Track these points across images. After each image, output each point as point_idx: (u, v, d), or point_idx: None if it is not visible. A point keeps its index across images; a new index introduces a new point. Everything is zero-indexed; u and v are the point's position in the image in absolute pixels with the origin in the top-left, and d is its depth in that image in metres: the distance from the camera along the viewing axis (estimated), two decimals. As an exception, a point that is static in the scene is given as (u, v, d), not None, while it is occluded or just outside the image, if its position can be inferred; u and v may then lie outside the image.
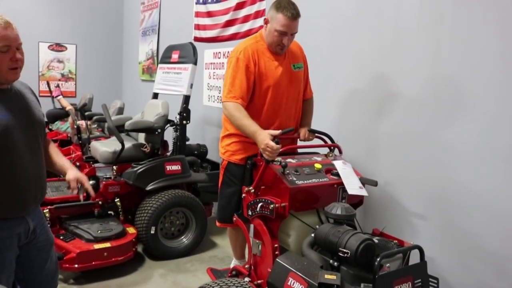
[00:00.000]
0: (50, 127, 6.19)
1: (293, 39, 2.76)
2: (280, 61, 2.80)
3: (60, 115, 6.07)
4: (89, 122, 5.09)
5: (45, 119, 2.11)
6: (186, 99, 4.11)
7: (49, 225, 2.17)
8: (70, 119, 5.42)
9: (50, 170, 2.17)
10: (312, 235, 2.17)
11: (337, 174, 2.46)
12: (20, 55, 1.83)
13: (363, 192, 2.41)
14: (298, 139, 2.91)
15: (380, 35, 3.04)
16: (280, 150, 2.41)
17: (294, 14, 2.63)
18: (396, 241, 2.33)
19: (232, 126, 2.80)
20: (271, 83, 2.75)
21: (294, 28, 2.68)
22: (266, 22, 2.75)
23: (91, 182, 3.82)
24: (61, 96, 6.14)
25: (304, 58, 3.00)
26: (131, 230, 3.69)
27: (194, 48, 4.22)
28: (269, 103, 2.78)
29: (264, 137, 2.41)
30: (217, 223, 3.01)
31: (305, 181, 2.34)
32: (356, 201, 2.55)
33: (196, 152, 4.75)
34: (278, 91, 2.77)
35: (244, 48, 2.76)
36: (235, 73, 2.70)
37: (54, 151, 2.18)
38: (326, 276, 1.86)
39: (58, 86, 6.81)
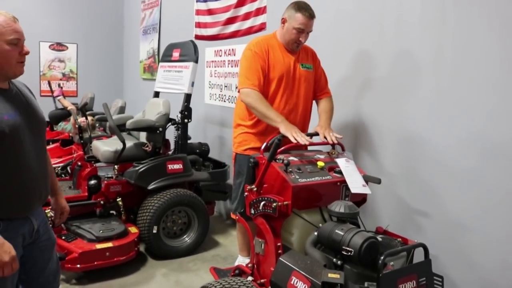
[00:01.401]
0: (54, 128, 6.17)
1: (308, 37, 2.94)
2: (289, 58, 2.97)
3: (63, 115, 6.06)
4: (90, 117, 5.07)
5: (47, 120, 2.11)
6: (188, 97, 4.09)
7: (50, 225, 2.16)
8: (72, 118, 5.41)
9: None
10: (315, 233, 2.15)
11: (340, 172, 2.44)
12: (28, 49, 1.86)
13: (366, 190, 2.39)
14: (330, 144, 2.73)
15: (382, 29, 3.03)
16: (283, 148, 2.48)
17: (311, 14, 2.87)
18: (400, 239, 2.31)
19: (238, 117, 3.09)
20: (277, 74, 2.91)
21: (310, 26, 2.89)
22: (284, 21, 2.93)
23: (92, 181, 3.84)
24: (61, 96, 6.13)
25: (315, 62, 3.12)
26: (133, 229, 3.67)
27: (195, 46, 4.20)
28: (273, 93, 2.93)
29: (291, 126, 2.63)
30: (231, 214, 3.21)
31: (308, 179, 2.32)
32: (360, 199, 2.53)
33: (197, 150, 4.74)
34: (284, 83, 2.93)
35: (257, 41, 3.00)
36: (250, 63, 2.90)
37: (51, 169, 2.19)
38: (330, 275, 1.85)
39: (60, 86, 6.79)
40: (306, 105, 3.04)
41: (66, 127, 6.02)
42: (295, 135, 2.53)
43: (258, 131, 2.97)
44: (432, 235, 2.72)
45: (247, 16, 4.49)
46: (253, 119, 2.97)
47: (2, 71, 1.80)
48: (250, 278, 2.52)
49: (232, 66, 4.73)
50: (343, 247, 1.93)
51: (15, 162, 1.82)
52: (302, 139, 2.51)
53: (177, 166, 3.94)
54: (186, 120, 4.11)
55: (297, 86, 2.97)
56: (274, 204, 2.26)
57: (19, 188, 1.84)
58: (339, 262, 1.98)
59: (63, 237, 3.39)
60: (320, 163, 2.47)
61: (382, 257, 1.87)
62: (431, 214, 2.75)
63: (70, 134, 5.77)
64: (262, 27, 4.25)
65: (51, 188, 2.15)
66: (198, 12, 5.32)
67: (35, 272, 2.03)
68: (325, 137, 2.68)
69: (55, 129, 6.13)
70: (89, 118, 4.99)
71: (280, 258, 2.15)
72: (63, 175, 4.49)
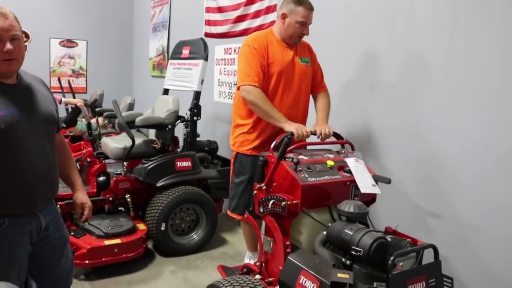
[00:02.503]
0: (70, 133, 6.08)
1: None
2: (288, 52, 2.95)
3: (75, 115, 5.99)
4: (100, 119, 5.07)
5: (64, 125, 2.05)
6: (197, 95, 4.09)
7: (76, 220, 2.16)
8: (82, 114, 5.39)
9: (62, 180, 2.18)
10: (324, 233, 2.14)
11: (350, 172, 2.42)
12: (11, 46, 1.73)
13: (376, 190, 2.37)
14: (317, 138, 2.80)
15: (392, 28, 3.00)
16: (293, 146, 2.47)
17: (311, 6, 2.89)
18: (410, 239, 2.29)
19: (238, 117, 3.05)
20: (276, 70, 2.89)
21: (311, 18, 2.92)
22: (284, 16, 2.90)
23: (101, 178, 3.86)
24: (63, 99, 6.05)
25: (311, 55, 3.10)
26: (141, 226, 3.68)
27: (205, 43, 4.20)
28: (273, 90, 2.90)
29: (295, 124, 2.68)
30: (228, 211, 3.18)
31: (318, 178, 2.31)
32: (369, 199, 2.52)
33: (206, 148, 4.74)
34: (283, 78, 2.91)
35: (254, 37, 2.98)
36: (249, 59, 2.85)
37: (71, 164, 2.20)
38: (339, 275, 1.84)
39: (61, 86, 6.77)
40: (305, 99, 3.05)
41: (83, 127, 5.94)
42: (298, 128, 2.61)
43: (259, 130, 2.95)
44: (441, 236, 2.70)
45: (257, 14, 4.48)
46: (253, 118, 2.94)
47: None
48: (258, 276, 2.52)
49: (241, 64, 4.72)
50: (352, 247, 1.92)
51: (15, 158, 1.78)
52: (302, 131, 2.60)
53: (186, 164, 3.95)
54: (195, 118, 4.11)
55: (297, 81, 2.95)
56: (283, 203, 2.25)
57: (20, 184, 1.81)
58: (348, 262, 1.97)
59: (72, 233, 3.40)
60: (330, 162, 2.45)
61: (391, 258, 1.86)
62: (441, 215, 2.73)
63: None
64: (272, 25, 4.23)
65: (71, 183, 2.14)
66: (208, 10, 5.32)
67: (46, 268, 2.03)
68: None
69: (71, 133, 6.05)
70: (100, 119, 4.99)
71: (288, 257, 2.13)
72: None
